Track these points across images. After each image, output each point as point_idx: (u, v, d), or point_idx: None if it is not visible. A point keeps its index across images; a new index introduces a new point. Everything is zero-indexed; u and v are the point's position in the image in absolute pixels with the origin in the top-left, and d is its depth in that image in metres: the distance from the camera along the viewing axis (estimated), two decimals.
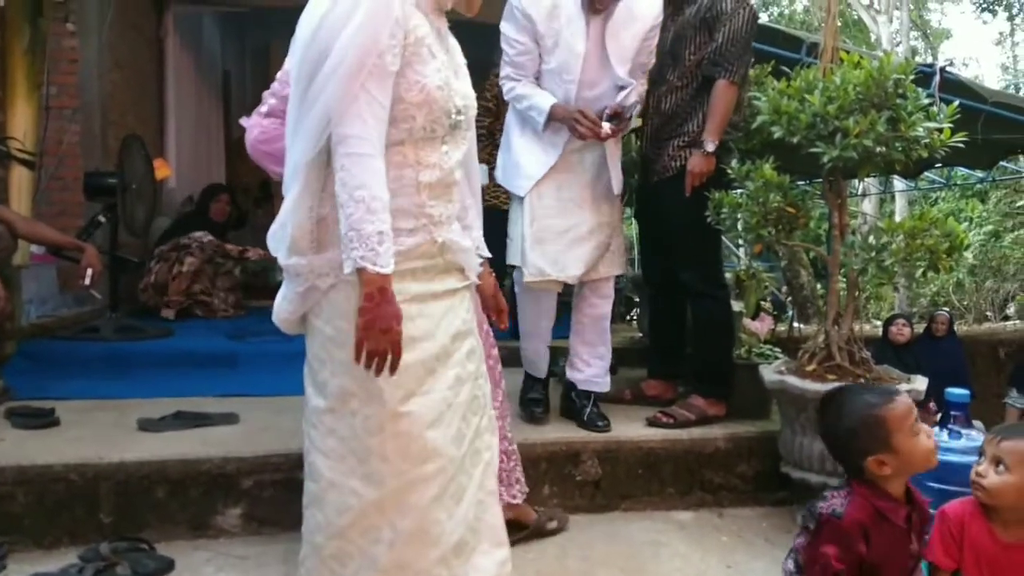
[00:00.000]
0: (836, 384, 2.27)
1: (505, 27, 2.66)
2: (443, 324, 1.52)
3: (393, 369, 1.37)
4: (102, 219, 3.76)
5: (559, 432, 2.70)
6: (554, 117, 2.63)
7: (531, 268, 2.69)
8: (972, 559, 1.57)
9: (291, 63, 1.51)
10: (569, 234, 2.72)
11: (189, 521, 2.33)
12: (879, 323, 10.35)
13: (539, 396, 2.85)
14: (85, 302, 4.15)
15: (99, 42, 4.45)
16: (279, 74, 1.92)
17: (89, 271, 3.22)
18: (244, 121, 1.99)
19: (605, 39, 2.63)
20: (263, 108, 1.90)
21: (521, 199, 2.75)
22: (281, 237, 1.50)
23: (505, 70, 2.73)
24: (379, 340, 1.36)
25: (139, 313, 4.22)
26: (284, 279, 1.55)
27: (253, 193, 7.06)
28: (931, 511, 1.65)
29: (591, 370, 2.87)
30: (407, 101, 1.43)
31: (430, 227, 1.51)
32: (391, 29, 1.38)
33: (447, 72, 1.50)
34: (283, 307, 1.55)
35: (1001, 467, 1.56)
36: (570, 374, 2.89)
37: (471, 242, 1.66)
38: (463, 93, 1.55)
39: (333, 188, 1.40)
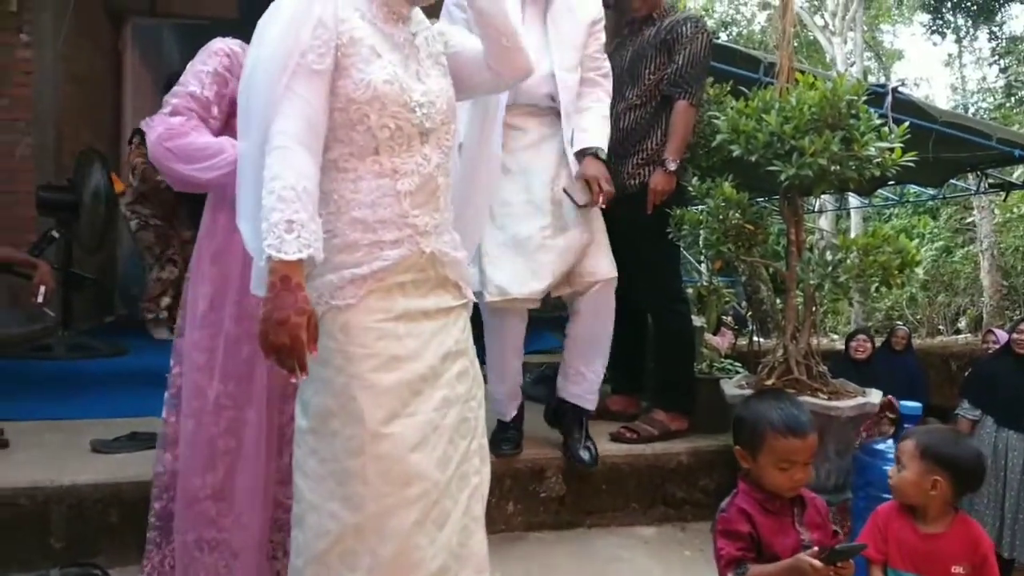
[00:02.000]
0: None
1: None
2: (433, 344, 1.49)
3: (302, 368, 1.31)
4: (55, 235, 3.67)
5: (524, 448, 2.69)
6: None
7: (491, 288, 2.42)
8: (896, 550, 1.69)
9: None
10: (532, 241, 2.45)
11: (144, 545, 2.26)
12: (836, 337, 10.58)
13: (511, 435, 2.65)
14: (36, 320, 4.03)
15: (54, 53, 4.36)
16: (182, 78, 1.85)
17: (42, 288, 3.13)
18: (145, 123, 1.88)
19: (546, 25, 2.49)
20: (166, 109, 1.80)
21: None
22: (261, 272, 1.43)
23: None
24: (277, 333, 1.28)
25: (95, 331, 4.11)
26: None
27: None
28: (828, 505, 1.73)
29: (579, 387, 2.67)
30: (358, 100, 1.42)
31: (416, 238, 1.47)
32: (313, 30, 1.38)
33: (397, 69, 1.47)
34: None
35: (900, 465, 1.71)
36: (560, 383, 2.72)
37: (465, 254, 1.62)
38: (425, 91, 1.51)
39: (320, 210, 1.39)
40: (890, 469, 1.77)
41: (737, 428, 1.67)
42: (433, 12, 1.68)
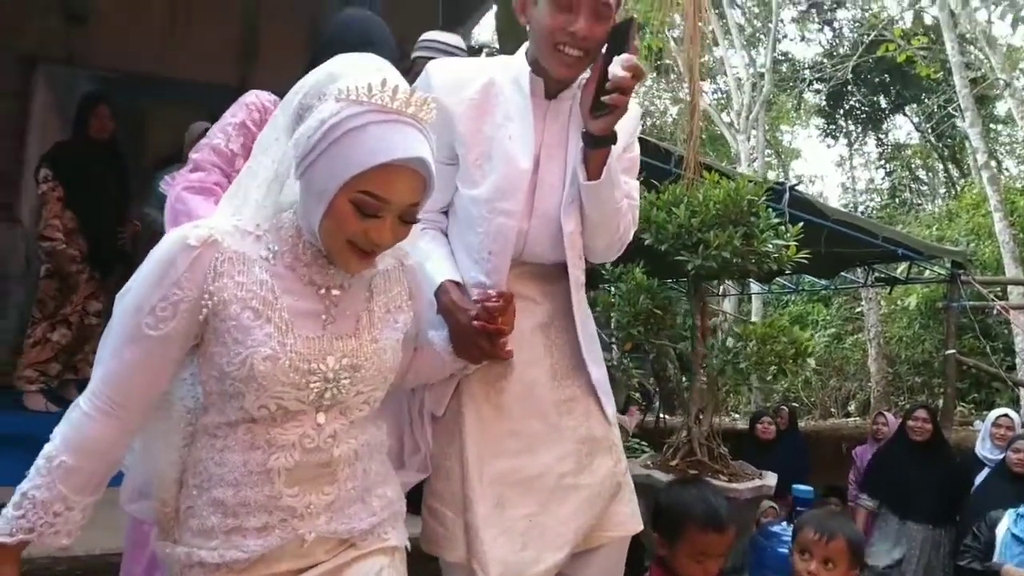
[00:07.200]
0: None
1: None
2: None
3: None
4: None
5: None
6: (440, 306, 1.48)
7: (489, 565, 1.43)
8: None
9: None
10: (545, 481, 1.51)
11: None
12: (738, 416, 10.92)
13: None
14: None
15: None
16: (210, 132, 1.79)
17: None
18: (165, 184, 1.79)
19: (568, 148, 1.55)
20: (188, 167, 1.70)
21: (451, 428, 1.53)
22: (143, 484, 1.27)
23: None
24: None
25: None
26: None
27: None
28: None
29: None
30: (232, 376, 1.12)
31: (292, 522, 1.15)
32: (165, 290, 1.10)
33: (292, 336, 1.13)
34: None
35: (830, 565, 1.72)
36: None
37: (373, 521, 1.25)
38: (346, 353, 1.17)
39: (189, 480, 1.18)
40: (812, 566, 1.73)
41: (656, 515, 1.67)
42: None
